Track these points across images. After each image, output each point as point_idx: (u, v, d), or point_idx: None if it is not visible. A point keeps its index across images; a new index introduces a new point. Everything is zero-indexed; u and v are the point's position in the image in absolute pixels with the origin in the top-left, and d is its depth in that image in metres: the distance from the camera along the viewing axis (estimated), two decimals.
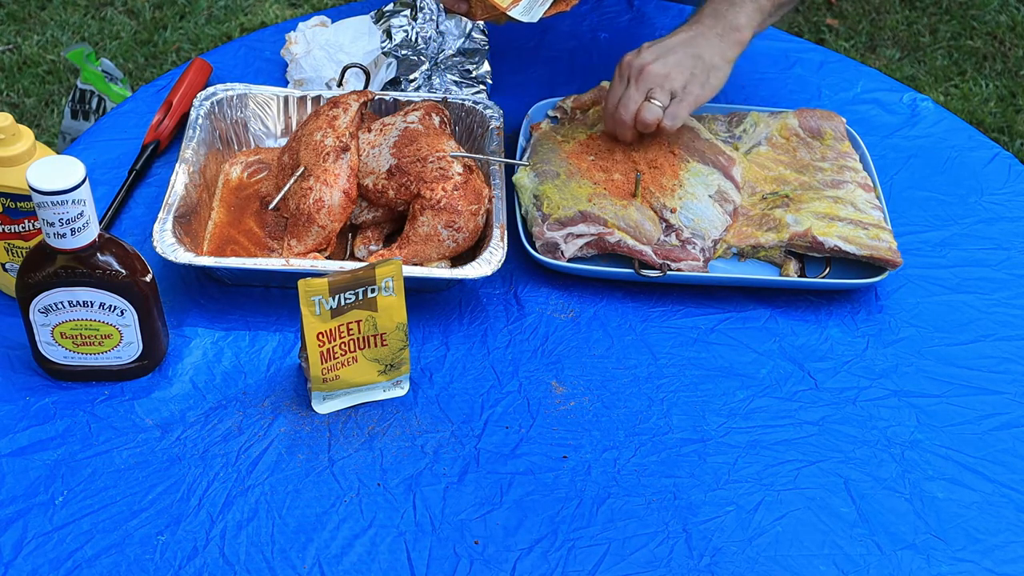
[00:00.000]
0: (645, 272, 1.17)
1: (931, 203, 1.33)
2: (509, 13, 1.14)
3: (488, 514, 0.98)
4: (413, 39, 1.35)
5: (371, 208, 1.17)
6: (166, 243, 1.08)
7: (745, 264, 1.22)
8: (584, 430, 1.05)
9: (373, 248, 1.17)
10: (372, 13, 1.42)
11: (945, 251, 1.27)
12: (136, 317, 1.01)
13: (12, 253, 1.07)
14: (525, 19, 1.15)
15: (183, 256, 1.08)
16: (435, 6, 1.38)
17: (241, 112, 1.28)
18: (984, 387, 1.12)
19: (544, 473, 1.01)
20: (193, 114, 1.24)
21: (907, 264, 1.22)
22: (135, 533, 0.94)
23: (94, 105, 2.14)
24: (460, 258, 1.16)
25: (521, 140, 1.31)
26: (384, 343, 1.02)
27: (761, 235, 1.21)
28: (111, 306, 1.00)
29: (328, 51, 1.39)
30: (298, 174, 1.14)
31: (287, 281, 1.13)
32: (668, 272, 1.16)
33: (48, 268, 0.97)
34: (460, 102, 1.29)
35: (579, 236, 1.17)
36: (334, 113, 1.17)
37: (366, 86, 1.28)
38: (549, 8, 1.16)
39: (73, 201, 0.91)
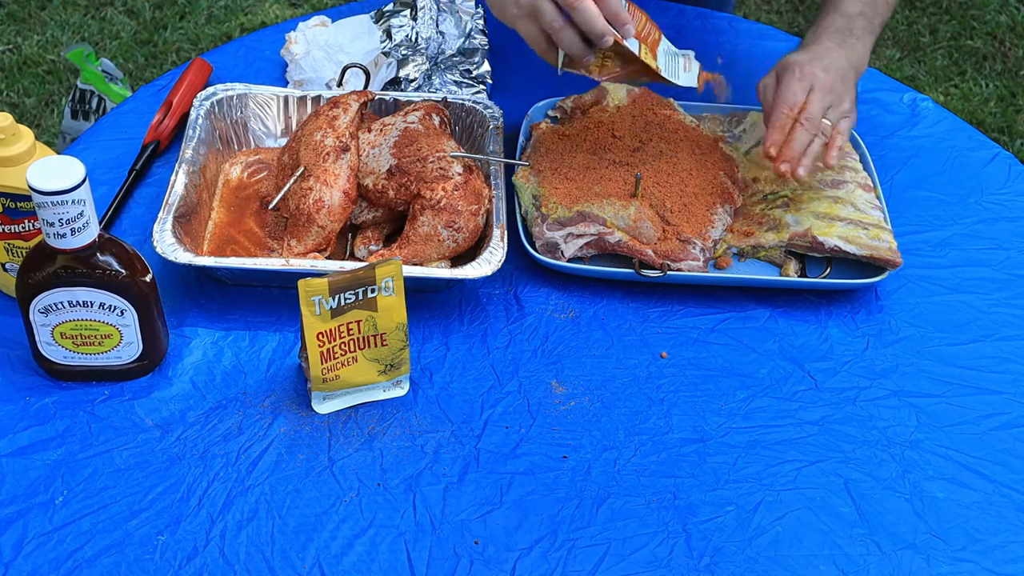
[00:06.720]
0: (645, 272, 1.17)
1: (931, 203, 1.33)
2: (662, 74, 1.17)
3: (488, 514, 0.98)
4: (413, 39, 1.35)
5: (371, 208, 1.17)
6: (166, 243, 1.08)
7: (745, 264, 1.22)
8: (584, 430, 1.05)
9: (373, 248, 1.17)
10: (372, 13, 1.42)
11: (945, 251, 1.27)
12: (136, 317, 1.01)
13: (12, 253, 1.07)
14: (677, 81, 1.18)
15: (183, 256, 1.08)
16: (435, 6, 1.37)
17: (241, 112, 1.28)
18: (984, 387, 1.12)
19: (544, 473, 1.01)
20: (193, 114, 1.24)
21: (907, 264, 1.22)
22: (135, 533, 0.94)
23: (94, 105, 2.14)
24: (460, 258, 1.16)
25: (521, 140, 1.31)
26: (384, 343, 1.02)
27: (761, 235, 1.21)
28: (111, 306, 1.00)
29: (328, 51, 1.39)
30: (298, 174, 1.14)
31: (287, 281, 1.13)
32: (668, 272, 1.16)
33: (48, 268, 0.97)
34: (460, 102, 1.29)
35: (579, 236, 1.17)
36: (334, 113, 1.17)
37: (366, 86, 1.28)
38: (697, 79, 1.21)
39: (73, 201, 0.91)
